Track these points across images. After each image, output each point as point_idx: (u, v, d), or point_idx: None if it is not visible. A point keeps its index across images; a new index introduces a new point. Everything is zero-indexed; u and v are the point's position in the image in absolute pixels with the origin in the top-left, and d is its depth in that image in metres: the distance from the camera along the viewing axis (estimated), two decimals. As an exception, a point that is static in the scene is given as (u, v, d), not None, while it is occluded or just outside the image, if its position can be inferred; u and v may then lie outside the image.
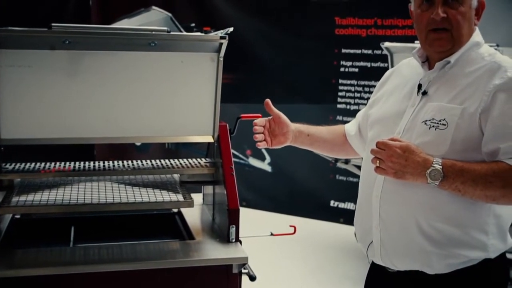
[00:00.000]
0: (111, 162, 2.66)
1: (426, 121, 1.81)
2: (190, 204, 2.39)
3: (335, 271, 4.57)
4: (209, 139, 2.58)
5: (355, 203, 2.08)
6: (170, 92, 2.49)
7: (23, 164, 2.55)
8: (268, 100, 2.20)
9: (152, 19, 5.22)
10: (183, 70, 2.47)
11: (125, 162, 2.67)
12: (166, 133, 2.56)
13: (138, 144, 6.04)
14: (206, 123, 2.54)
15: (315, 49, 5.85)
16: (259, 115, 2.39)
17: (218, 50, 2.44)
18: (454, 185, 1.71)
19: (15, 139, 2.38)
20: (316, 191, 5.94)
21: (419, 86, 1.89)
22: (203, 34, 2.56)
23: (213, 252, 2.31)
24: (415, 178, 1.75)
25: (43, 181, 2.54)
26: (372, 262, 2.01)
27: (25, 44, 2.28)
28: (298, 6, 5.86)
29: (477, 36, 1.87)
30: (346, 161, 4.77)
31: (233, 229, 2.36)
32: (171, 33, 2.38)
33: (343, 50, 5.76)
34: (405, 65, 2.07)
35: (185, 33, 3.86)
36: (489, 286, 1.85)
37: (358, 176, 5.34)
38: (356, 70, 5.73)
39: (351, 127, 2.29)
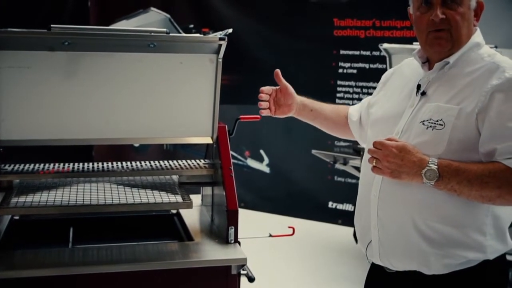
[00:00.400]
0: (110, 163, 2.66)
1: (424, 121, 1.81)
2: (189, 205, 2.39)
3: (334, 272, 4.57)
4: (208, 140, 2.58)
5: (353, 204, 2.09)
6: (169, 93, 2.49)
7: (22, 165, 2.55)
8: (277, 70, 2.31)
9: (151, 20, 5.22)
10: (182, 71, 2.47)
11: (124, 163, 2.67)
12: (165, 134, 2.56)
13: (136, 145, 6.04)
14: (205, 125, 2.55)
15: (314, 50, 5.85)
16: (258, 116, 2.41)
17: (217, 52, 2.44)
18: (449, 185, 1.72)
19: (14, 140, 2.38)
20: (315, 192, 5.94)
21: (418, 86, 1.90)
22: (202, 35, 2.57)
23: (212, 253, 2.31)
24: (410, 177, 1.76)
25: (42, 182, 2.53)
26: (372, 262, 2.01)
27: (24, 45, 2.29)
28: (297, 7, 5.86)
29: (477, 37, 1.87)
30: (345, 162, 4.77)
31: (232, 230, 2.36)
32: (170, 34, 2.38)
33: (342, 52, 5.76)
34: (407, 65, 2.08)
35: (184, 34, 3.86)
36: (488, 287, 1.86)
37: (356, 177, 5.33)
38: (355, 71, 5.73)
39: (354, 112, 2.31)
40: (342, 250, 5.01)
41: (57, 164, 2.58)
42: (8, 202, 2.29)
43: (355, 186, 2.06)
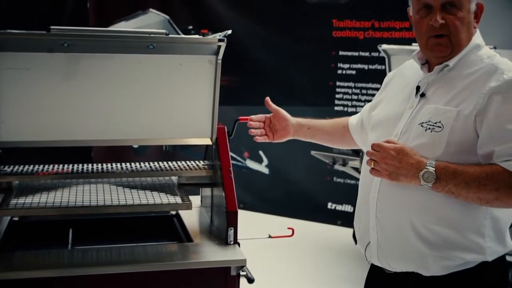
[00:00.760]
0: (109, 165, 2.66)
1: (422, 123, 1.82)
2: (188, 207, 2.39)
3: (333, 273, 4.57)
4: (207, 141, 2.58)
5: (352, 205, 2.10)
6: (169, 94, 2.50)
7: (22, 166, 2.56)
8: (267, 98, 2.36)
9: (150, 22, 5.23)
10: (181, 72, 2.47)
11: (123, 164, 2.67)
12: (165, 136, 2.56)
13: (135, 146, 6.04)
14: (204, 126, 2.55)
15: (313, 51, 5.86)
16: (257, 117, 2.41)
17: (217, 53, 2.44)
18: (447, 187, 1.72)
19: (13, 141, 2.38)
20: (314, 193, 5.94)
21: (418, 88, 1.90)
22: (201, 36, 2.57)
23: (212, 254, 2.31)
24: (408, 179, 1.76)
25: (42, 184, 2.54)
26: (372, 263, 2.01)
27: (24, 47, 2.29)
28: (296, 8, 5.87)
29: (477, 38, 1.87)
30: (344, 163, 4.77)
31: (231, 231, 2.37)
32: (170, 35, 2.38)
33: (341, 53, 5.77)
34: (408, 66, 2.08)
35: (183, 35, 3.87)
36: (487, 288, 1.86)
37: (355, 178, 5.34)
38: (354, 72, 5.73)
39: (354, 119, 2.33)
40: (342, 251, 5.01)
41: (56, 165, 2.59)
42: (7, 203, 2.30)
43: (354, 187, 2.06)
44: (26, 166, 2.56)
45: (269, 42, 6.02)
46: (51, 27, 2.24)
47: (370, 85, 5.64)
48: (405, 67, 2.11)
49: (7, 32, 2.22)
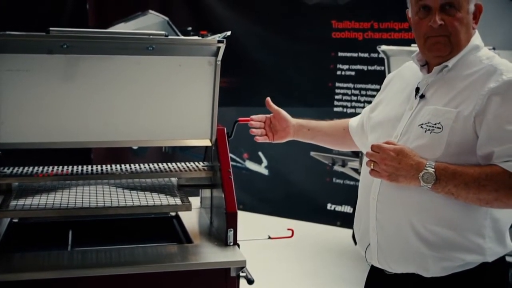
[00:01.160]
0: (109, 166, 2.66)
1: (422, 124, 1.82)
2: (188, 208, 2.40)
3: (332, 274, 4.57)
4: (207, 142, 2.58)
5: (352, 206, 2.10)
6: (168, 96, 2.50)
7: (21, 168, 2.55)
8: (268, 98, 2.36)
9: (149, 23, 5.23)
10: (181, 74, 2.47)
11: (122, 165, 2.67)
12: (164, 137, 2.56)
13: (135, 147, 6.04)
14: (204, 127, 2.55)
15: (312, 52, 5.86)
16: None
17: (216, 54, 2.45)
18: (447, 188, 1.72)
19: (13, 143, 2.38)
20: (313, 194, 5.95)
21: (417, 89, 1.90)
22: (200, 38, 2.57)
23: (211, 255, 2.31)
24: (408, 181, 1.76)
25: (41, 185, 2.54)
26: (372, 264, 2.02)
27: (23, 48, 2.29)
28: (295, 9, 5.87)
29: (476, 39, 1.87)
30: (343, 164, 4.77)
31: (231, 233, 2.37)
32: (169, 37, 2.38)
33: (340, 54, 5.77)
34: (407, 67, 2.08)
35: (182, 37, 3.87)
36: (487, 289, 1.86)
37: (355, 179, 5.34)
38: (353, 73, 5.73)
39: (354, 121, 2.33)
40: (341, 252, 5.02)
41: (56, 167, 2.59)
42: (7, 205, 2.30)
43: (354, 188, 2.07)
44: (26, 168, 2.56)
45: (269, 43, 6.03)
46: (51, 28, 2.24)
47: (369, 86, 5.65)
48: (404, 68, 2.11)
49: (7, 34, 2.22)
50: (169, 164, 2.73)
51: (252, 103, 5.84)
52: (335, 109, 5.83)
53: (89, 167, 2.63)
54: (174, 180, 2.70)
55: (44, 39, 2.25)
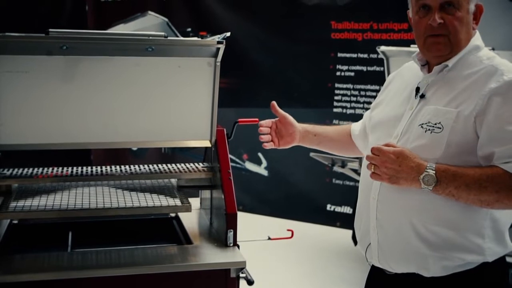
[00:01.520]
0: (108, 167, 2.66)
1: (422, 124, 1.82)
2: (188, 209, 2.40)
3: (332, 274, 4.57)
4: (206, 143, 2.58)
5: (351, 207, 2.10)
6: (168, 97, 2.50)
7: (21, 169, 2.55)
8: (274, 102, 2.28)
9: (148, 24, 5.24)
10: (180, 75, 2.47)
11: (122, 167, 2.67)
12: (164, 138, 2.56)
13: (134, 149, 6.04)
14: (203, 128, 2.55)
15: (311, 53, 5.86)
16: (256, 119, 2.41)
17: (215, 55, 2.44)
18: (447, 190, 1.72)
19: (13, 144, 2.38)
20: (313, 195, 5.94)
21: (417, 89, 1.90)
22: (200, 39, 2.57)
23: (211, 256, 2.31)
24: (409, 183, 1.76)
25: (41, 186, 2.54)
26: (372, 264, 2.02)
27: (22, 50, 2.29)
28: (294, 10, 5.87)
29: (477, 39, 1.88)
30: (343, 165, 4.77)
31: (231, 234, 2.37)
32: (168, 38, 2.38)
33: (339, 54, 5.77)
34: (407, 68, 2.08)
35: (182, 38, 3.87)
36: (487, 289, 1.86)
37: (354, 180, 5.33)
38: (352, 74, 5.73)
39: (356, 126, 2.32)
40: (341, 252, 5.01)
41: (55, 168, 2.58)
42: (7, 206, 2.30)
43: (353, 188, 2.07)
44: (26, 169, 2.56)
45: (268, 43, 6.03)
46: (50, 30, 2.24)
47: (368, 86, 5.64)
48: (405, 68, 2.11)
49: (6, 35, 2.22)
50: (168, 165, 2.73)
51: (251, 104, 5.86)
52: (335, 109, 5.83)
53: (89, 168, 2.63)
54: (173, 181, 2.70)
55: (44, 40, 2.25)
